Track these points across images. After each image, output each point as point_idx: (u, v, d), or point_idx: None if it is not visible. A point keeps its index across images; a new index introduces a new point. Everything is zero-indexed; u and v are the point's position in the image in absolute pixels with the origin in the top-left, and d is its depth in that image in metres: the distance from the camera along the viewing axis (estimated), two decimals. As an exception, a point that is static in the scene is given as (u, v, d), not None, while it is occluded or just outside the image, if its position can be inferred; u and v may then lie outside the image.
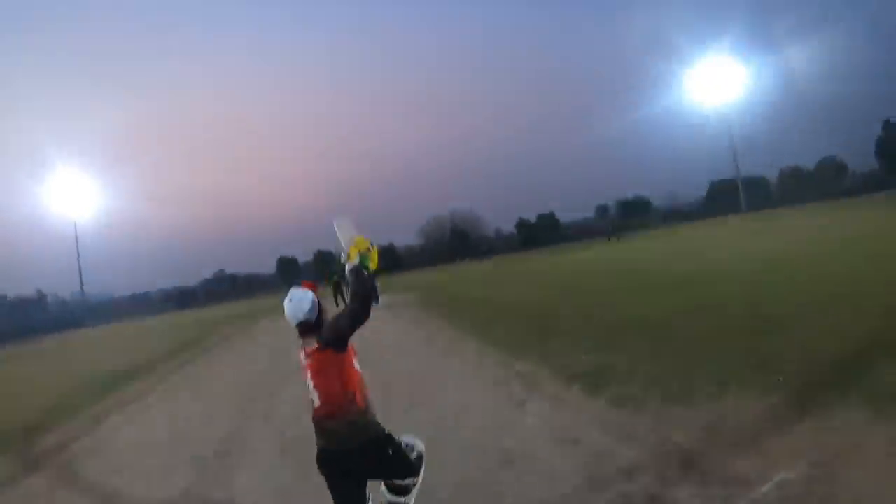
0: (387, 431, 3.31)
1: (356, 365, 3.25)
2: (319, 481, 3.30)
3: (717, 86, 58.50)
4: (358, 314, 3.14)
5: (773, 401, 4.92)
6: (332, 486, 3.24)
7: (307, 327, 3.24)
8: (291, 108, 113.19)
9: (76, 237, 66.58)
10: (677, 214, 70.42)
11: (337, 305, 19.67)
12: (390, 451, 3.29)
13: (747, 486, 3.67)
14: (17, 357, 29.35)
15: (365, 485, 3.29)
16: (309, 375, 3.22)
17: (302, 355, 3.26)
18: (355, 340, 3.24)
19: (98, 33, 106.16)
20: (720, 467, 4.01)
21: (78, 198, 66.12)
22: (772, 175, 67.81)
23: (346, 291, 20.22)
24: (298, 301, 3.23)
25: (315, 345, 3.16)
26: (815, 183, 59.29)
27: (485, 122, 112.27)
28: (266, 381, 10.75)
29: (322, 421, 3.20)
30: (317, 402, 3.19)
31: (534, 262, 37.45)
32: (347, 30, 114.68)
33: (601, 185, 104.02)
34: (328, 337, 3.14)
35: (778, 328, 7.09)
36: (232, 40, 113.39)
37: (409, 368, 9.51)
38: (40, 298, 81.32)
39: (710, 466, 4.05)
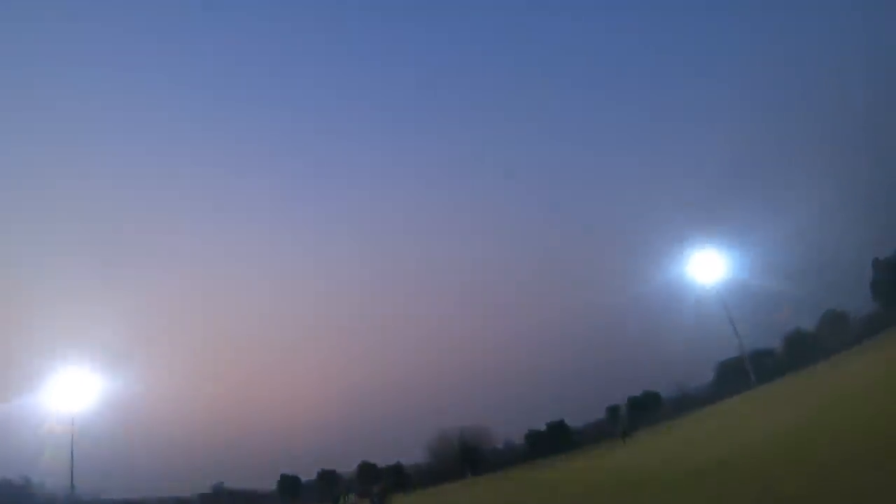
0: None
1: None
2: None
3: (711, 268, 59.59)
4: None
5: None
6: None
7: None
8: (298, 324, 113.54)
9: (72, 433, 62.96)
10: (688, 402, 67.58)
11: None
12: None
13: None
14: None
15: None
16: None
17: None
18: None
19: (104, 234, 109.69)
20: None
21: (78, 393, 64.19)
22: (776, 344, 66.61)
23: None
24: None
25: None
26: (820, 340, 57.95)
27: (484, 333, 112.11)
28: None
29: None
30: None
31: (548, 474, 34.64)
32: (353, 244, 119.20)
33: (610, 385, 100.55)
34: None
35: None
36: (236, 249, 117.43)
37: None
38: (26, 486, 74.53)
39: None
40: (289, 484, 77.00)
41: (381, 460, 78.74)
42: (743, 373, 58.55)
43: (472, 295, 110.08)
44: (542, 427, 76.57)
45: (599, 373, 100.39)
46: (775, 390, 37.29)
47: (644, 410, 73.01)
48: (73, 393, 65.08)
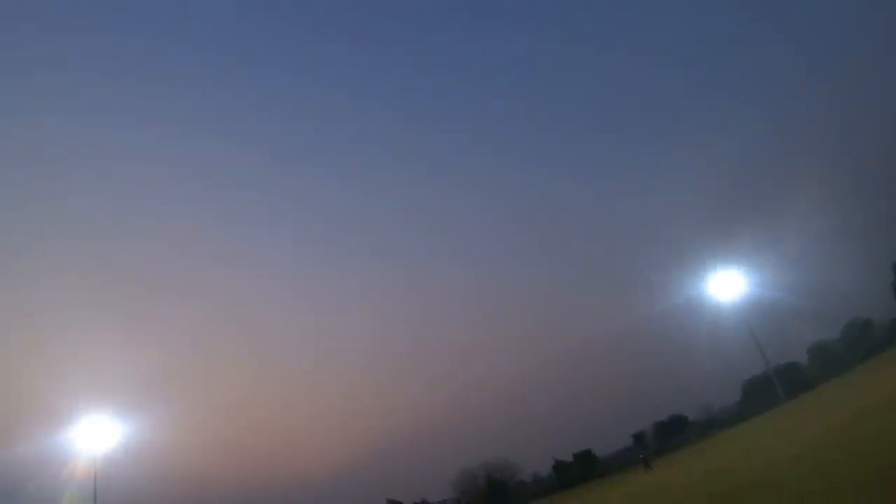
0: None
1: None
2: None
3: (732, 287, 58.89)
4: None
5: None
6: None
7: None
8: (324, 365, 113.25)
9: (95, 475, 62.21)
10: (715, 423, 66.16)
11: None
12: None
13: None
14: None
15: None
16: None
17: None
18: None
19: (123, 281, 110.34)
20: None
21: (102, 435, 63.75)
22: (801, 357, 65.15)
23: None
24: None
25: None
26: (845, 348, 56.76)
27: (507, 366, 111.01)
28: None
29: None
30: None
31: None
32: (368, 291, 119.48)
33: (634, 411, 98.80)
34: None
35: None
36: (257, 294, 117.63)
37: None
38: None
39: None
40: None
41: (407, 499, 77.70)
42: (770, 389, 57.22)
43: (493, 328, 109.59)
44: (569, 458, 75.28)
45: (624, 400, 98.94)
46: (804, 404, 36.47)
47: (671, 434, 71.53)
48: (96, 436, 65.43)
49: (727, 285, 59.05)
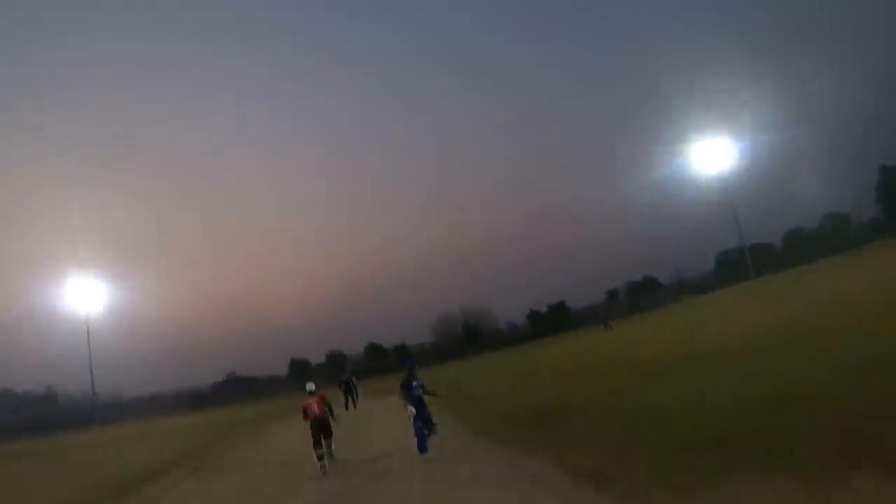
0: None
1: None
2: None
3: (715, 158, 59.82)
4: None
5: (779, 483, 4.81)
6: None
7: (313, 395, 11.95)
8: (302, 209, 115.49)
9: (88, 335, 65.28)
10: (687, 289, 70.42)
11: (346, 400, 24.96)
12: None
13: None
14: (26, 455, 28.35)
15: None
16: (315, 406, 11.79)
17: (312, 401, 11.87)
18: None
19: (111, 131, 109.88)
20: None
21: (91, 295, 65.65)
22: (776, 239, 68.29)
23: (355, 391, 25.19)
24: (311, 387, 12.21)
25: (318, 398, 11.91)
26: (820, 239, 59.44)
27: (489, 214, 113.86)
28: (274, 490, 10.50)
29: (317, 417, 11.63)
30: (317, 412, 11.73)
31: (543, 351, 37.22)
32: (355, 127, 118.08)
33: (610, 269, 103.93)
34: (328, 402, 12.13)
35: (786, 405, 7.04)
36: (240, 135, 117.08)
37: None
38: (50, 395, 79.80)
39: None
40: (299, 367, 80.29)
41: (387, 342, 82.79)
42: (742, 265, 60.92)
43: (476, 176, 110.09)
44: (544, 309, 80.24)
45: (601, 258, 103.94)
46: (772, 283, 38.63)
47: (642, 294, 76.18)
48: (84, 296, 65.83)
49: (714, 155, 60.26)
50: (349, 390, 25.67)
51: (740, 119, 62.03)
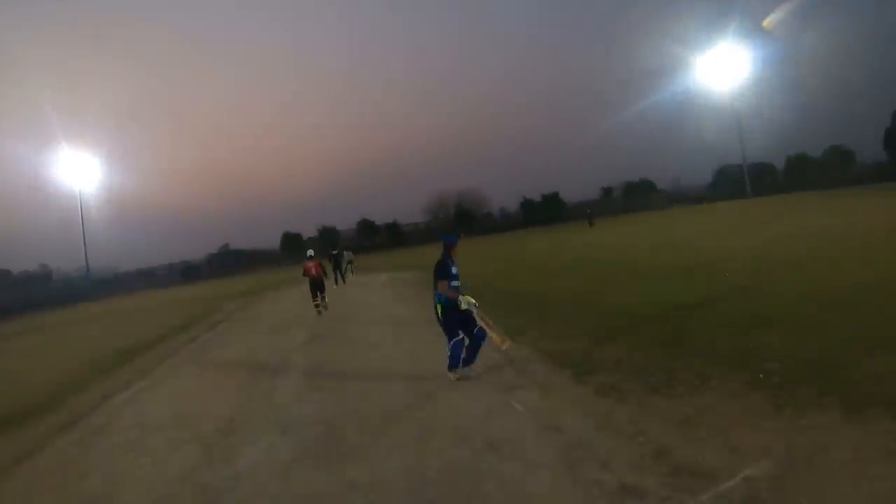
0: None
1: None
2: (318, 457, 3.54)
3: (726, 72, 58.00)
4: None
5: (752, 397, 5.11)
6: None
7: (311, 259, 15.82)
8: (298, 87, 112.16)
9: (81, 212, 64.96)
10: (682, 197, 70.54)
11: (335, 275, 24.52)
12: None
13: (714, 480, 3.85)
14: (23, 332, 29.49)
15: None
16: (312, 268, 15.52)
17: (310, 264, 15.63)
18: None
19: (105, 3, 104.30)
20: (691, 460, 4.19)
21: (82, 172, 64.54)
22: (778, 162, 67.50)
23: (344, 263, 25.25)
24: (311, 253, 16.15)
25: (316, 263, 15.77)
26: (822, 170, 58.87)
27: (492, 103, 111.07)
28: (268, 358, 11.12)
29: (314, 277, 15.59)
30: (314, 273, 15.54)
31: (532, 241, 37.76)
32: (356, 10, 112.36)
33: (608, 168, 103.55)
34: (324, 267, 16.43)
35: (767, 324, 7.28)
36: (240, 15, 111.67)
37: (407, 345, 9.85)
38: (45, 273, 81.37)
39: (682, 458, 4.23)
40: (291, 241, 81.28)
41: (380, 219, 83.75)
42: (740, 182, 60.76)
43: (477, 59, 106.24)
44: (538, 198, 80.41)
45: (601, 154, 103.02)
46: (767, 205, 38.58)
47: (637, 196, 76.39)
48: (77, 173, 64.28)
49: (724, 70, 58.40)
50: (338, 265, 25.20)
51: (755, 36, 58.97)
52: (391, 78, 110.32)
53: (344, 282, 25.09)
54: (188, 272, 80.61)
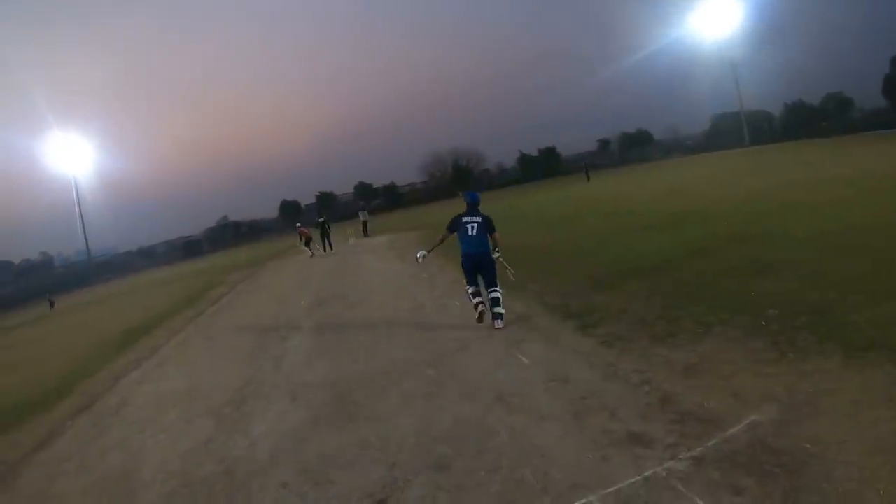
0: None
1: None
2: (328, 422, 4.03)
3: (721, 19, 56.75)
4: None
5: (754, 343, 5.18)
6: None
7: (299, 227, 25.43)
8: (286, 49, 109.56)
9: (77, 196, 63.90)
10: (680, 147, 70.00)
11: (322, 239, 25.37)
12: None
13: (720, 426, 3.95)
14: (29, 322, 29.65)
15: None
16: (303, 230, 25.44)
17: (302, 229, 25.60)
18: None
19: None
20: (696, 407, 4.29)
21: (75, 156, 62.79)
22: (776, 109, 66.63)
23: (329, 232, 25.60)
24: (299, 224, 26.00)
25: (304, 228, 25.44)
26: (820, 118, 58.14)
27: (485, 57, 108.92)
28: (275, 326, 11.31)
29: (305, 234, 25.42)
30: (305, 232, 25.47)
31: (531, 196, 37.66)
32: None
33: (604, 119, 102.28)
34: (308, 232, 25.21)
35: (768, 270, 7.32)
36: None
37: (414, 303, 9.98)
38: (46, 261, 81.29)
39: (687, 406, 4.33)
40: (290, 209, 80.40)
41: (377, 181, 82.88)
42: (738, 130, 60.14)
43: (474, 20, 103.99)
44: (535, 153, 79.76)
45: (597, 107, 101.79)
46: (765, 152, 38.22)
47: (635, 147, 75.78)
48: (70, 157, 62.46)
49: (719, 16, 57.21)
50: (325, 232, 25.53)
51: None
52: (381, 38, 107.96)
53: (331, 248, 25.02)
54: (188, 248, 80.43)
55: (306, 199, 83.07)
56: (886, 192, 11.74)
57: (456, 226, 7.71)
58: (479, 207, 7.76)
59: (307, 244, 25.22)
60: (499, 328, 7.27)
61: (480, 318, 7.50)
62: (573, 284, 8.90)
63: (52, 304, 38.75)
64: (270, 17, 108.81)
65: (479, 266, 7.53)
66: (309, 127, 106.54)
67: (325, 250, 24.71)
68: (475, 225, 7.56)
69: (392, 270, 14.85)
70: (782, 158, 28.74)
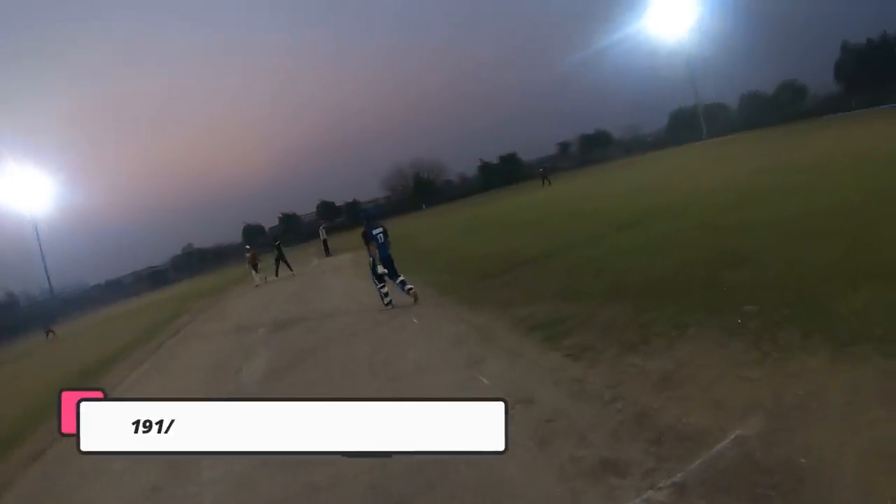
0: None
1: None
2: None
3: (673, 14, 57.79)
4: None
5: (733, 344, 4.72)
6: None
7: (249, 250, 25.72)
8: (241, 75, 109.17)
9: (37, 234, 62.46)
10: (640, 145, 70.81)
11: (276, 266, 25.63)
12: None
13: (702, 443, 3.46)
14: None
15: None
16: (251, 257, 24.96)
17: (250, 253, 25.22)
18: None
19: (33, 17, 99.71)
20: (675, 422, 3.79)
21: (33, 193, 61.40)
22: (732, 101, 67.93)
23: (283, 255, 25.60)
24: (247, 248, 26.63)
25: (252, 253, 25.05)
26: (775, 107, 59.37)
27: (440, 64, 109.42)
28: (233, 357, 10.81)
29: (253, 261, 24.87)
30: (253, 259, 24.89)
31: (492, 204, 37.49)
32: None
33: (562, 122, 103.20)
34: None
35: (740, 263, 6.95)
36: (173, 11, 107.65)
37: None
38: (11, 300, 78.88)
39: (665, 422, 3.84)
40: (252, 232, 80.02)
41: (339, 199, 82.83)
42: (696, 124, 61.16)
43: (427, 32, 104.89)
44: (495, 160, 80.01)
45: (553, 111, 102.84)
46: (724, 146, 38.77)
47: (595, 148, 76.52)
48: (26, 192, 60.61)
49: (672, 14, 58.30)
50: (280, 255, 25.80)
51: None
52: (332, 55, 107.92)
53: (290, 270, 25.01)
54: (154, 278, 79.15)
55: (269, 221, 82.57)
56: (845, 174, 11.73)
57: (373, 237, 9.78)
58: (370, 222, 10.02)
59: (255, 268, 25.14)
60: (411, 291, 9.72)
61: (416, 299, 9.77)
62: (538, 292, 8.43)
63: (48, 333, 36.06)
64: (225, 44, 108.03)
65: (387, 262, 9.84)
66: (268, 148, 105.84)
67: (277, 275, 24.98)
68: (381, 234, 9.90)
69: (355, 289, 14.19)
70: (740, 149, 29.06)
